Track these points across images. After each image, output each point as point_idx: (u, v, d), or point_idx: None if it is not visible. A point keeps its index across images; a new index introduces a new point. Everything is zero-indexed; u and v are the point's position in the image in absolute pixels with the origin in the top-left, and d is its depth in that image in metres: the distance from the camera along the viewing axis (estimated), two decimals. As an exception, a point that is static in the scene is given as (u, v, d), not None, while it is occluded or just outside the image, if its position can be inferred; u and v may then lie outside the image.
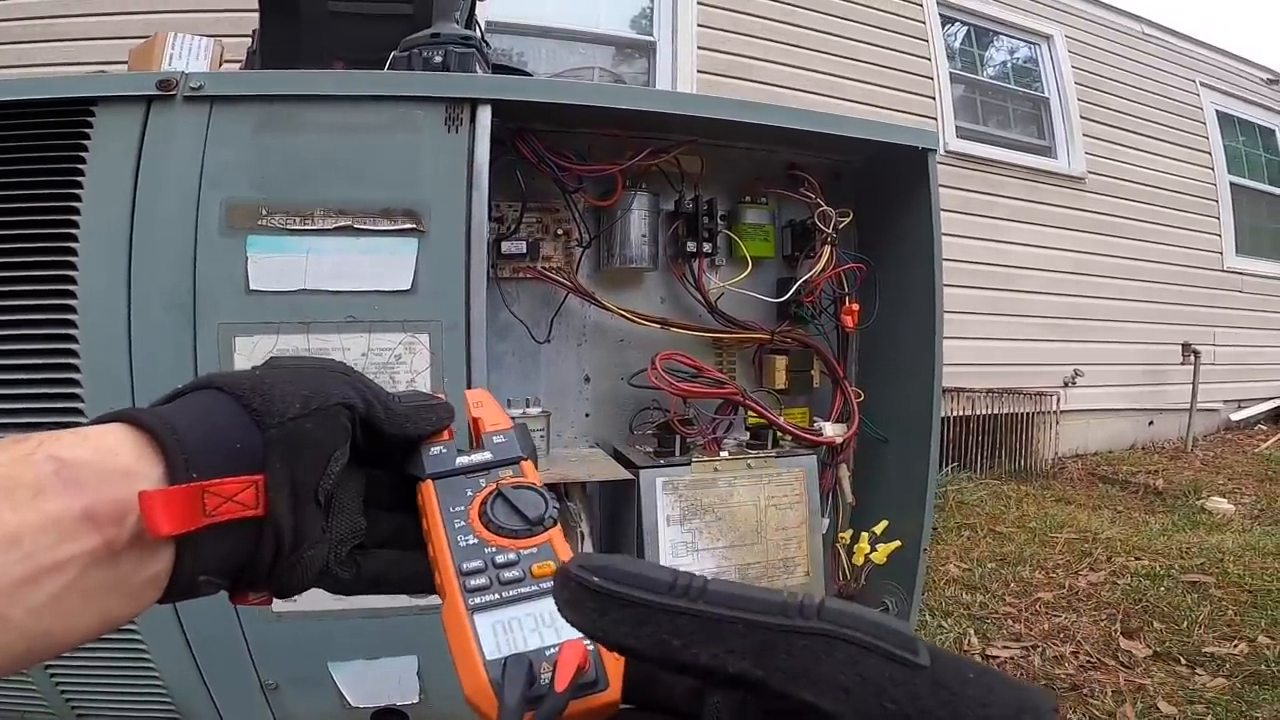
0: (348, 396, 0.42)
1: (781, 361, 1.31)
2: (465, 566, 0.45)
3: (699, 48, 3.79)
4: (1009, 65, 4.97)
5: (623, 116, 1.11)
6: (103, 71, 1.37)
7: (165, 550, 0.36)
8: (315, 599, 0.99)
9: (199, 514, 0.37)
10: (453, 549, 0.45)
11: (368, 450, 0.43)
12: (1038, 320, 4.46)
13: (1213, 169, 5.37)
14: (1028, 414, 4.24)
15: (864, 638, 0.23)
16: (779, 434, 1.23)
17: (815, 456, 1.24)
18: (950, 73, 4.46)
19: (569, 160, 1.18)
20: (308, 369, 0.43)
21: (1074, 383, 4.54)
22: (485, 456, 0.49)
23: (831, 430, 1.25)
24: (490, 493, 0.47)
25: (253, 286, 0.94)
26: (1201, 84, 5.47)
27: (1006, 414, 4.19)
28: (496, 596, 0.44)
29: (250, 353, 0.95)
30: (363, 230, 0.96)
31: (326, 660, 1.04)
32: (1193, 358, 4.81)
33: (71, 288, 0.92)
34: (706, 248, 1.27)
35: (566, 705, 0.33)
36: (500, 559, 0.45)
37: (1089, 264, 4.62)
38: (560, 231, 1.27)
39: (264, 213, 0.95)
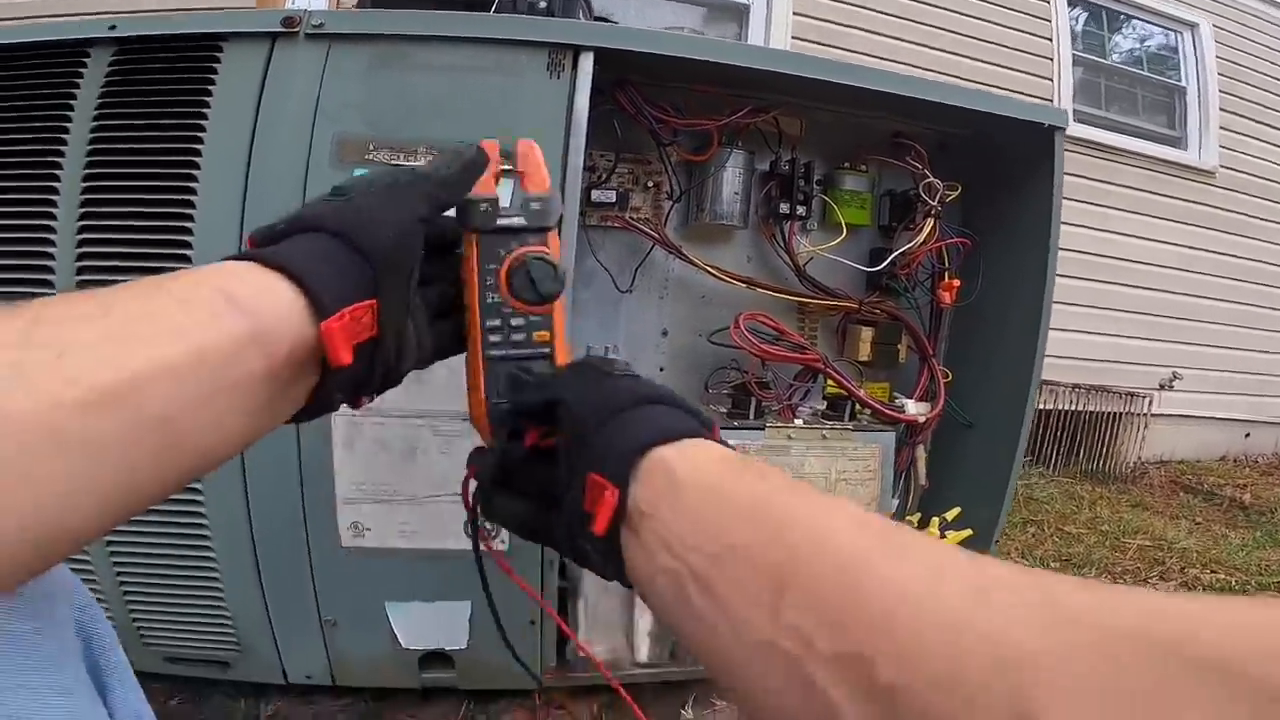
0: (421, 212, 0.48)
1: (867, 333, 1.28)
2: (488, 323, 0.60)
3: (794, 13, 3.64)
4: (1142, 51, 4.63)
5: (724, 73, 1.08)
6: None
7: (313, 374, 0.42)
8: (384, 537, 1.03)
9: (351, 339, 0.42)
10: (481, 306, 0.60)
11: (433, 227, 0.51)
12: (1139, 317, 4.21)
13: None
14: (1114, 414, 4.04)
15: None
16: (858, 407, 1.20)
17: (893, 434, 1.21)
18: (1073, 55, 4.18)
19: (667, 113, 1.16)
20: (386, 187, 0.48)
21: (1170, 385, 4.29)
22: (520, 221, 0.62)
23: (914, 408, 1.22)
24: (517, 259, 0.60)
25: (357, 219, 0.97)
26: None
27: (1091, 412, 4.01)
28: (505, 352, 0.60)
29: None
30: (461, 168, 0.97)
31: (385, 600, 1.08)
32: (1305, 371, 4.48)
33: (190, 211, 0.96)
34: (800, 210, 1.24)
35: (528, 449, 0.48)
36: (514, 321, 0.60)
37: (1204, 262, 4.32)
38: (650, 184, 1.26)
39: (371, 148, 0.97)
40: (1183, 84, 4.52)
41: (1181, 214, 4.27)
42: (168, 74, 0.97)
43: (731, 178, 1.21)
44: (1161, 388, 4.26)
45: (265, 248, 0.43)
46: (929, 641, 0.23)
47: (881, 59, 3.72)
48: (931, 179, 1.19)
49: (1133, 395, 4.06)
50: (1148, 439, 4.15)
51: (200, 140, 0.96)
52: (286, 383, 0.40)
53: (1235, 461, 4.59)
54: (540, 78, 0.99)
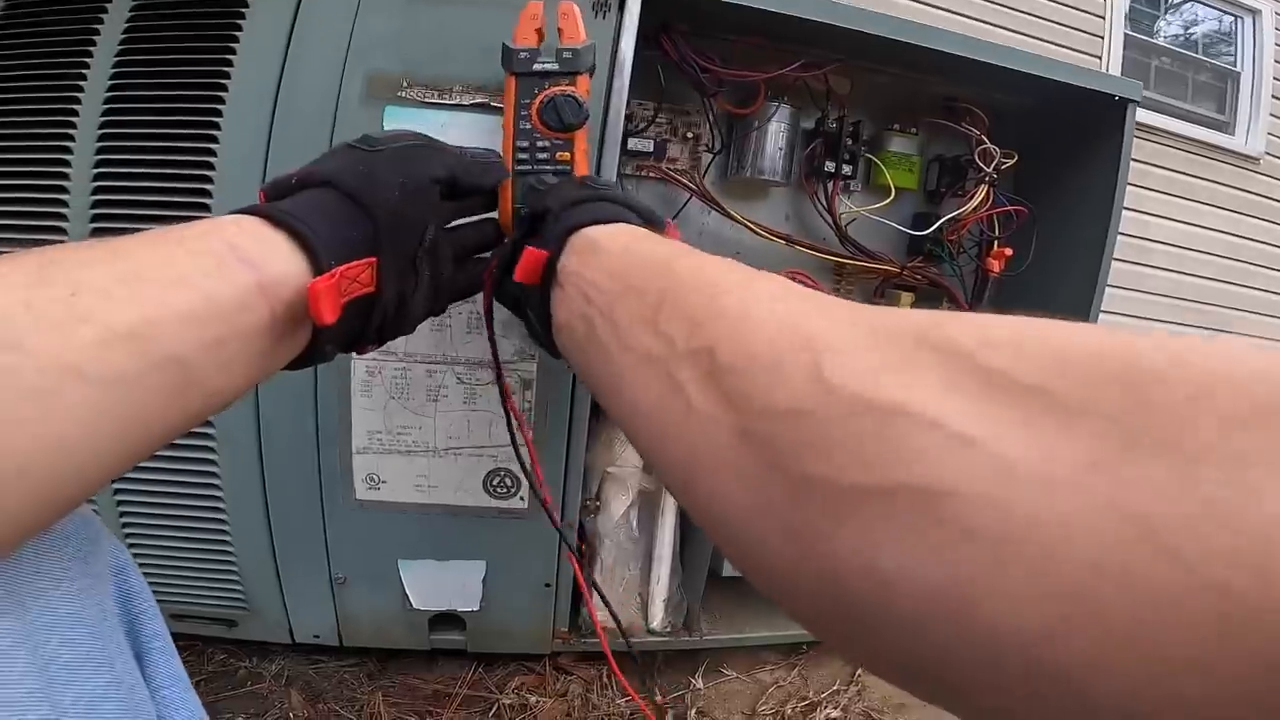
0: (435, 172, 0.52)
1: (908, 298, 1.23)
2: (519, 144, 0.78)
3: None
4: (1196, 34, 4.48)
5: (774, 24, 1.02)
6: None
7: (308, 325, 0.43)
8: (400, 490, 1.01)
9: (341, 297, 0.44)
10: (516, 131, 0.77)
11: (453, 202, 0.56)
12: (1168, 300, 4.13)
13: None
14: (1139, 402, 3.98)
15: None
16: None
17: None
18: (1125, 34, 4.04)
19: (713, 63, 1.10)
20: (401, 148, 0.52)
21: (1200, 375, 4.22)
22: (554, 66, 0.78)
23: (951, 381, 1.18)
24: (548, 95, 0.77)
25: (387, 157, 0.93)
26: None
27: (1114, 398, 3.94)
28: (530, 167, 0.78)
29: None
30: (499, 109, 0.92)
31: (398, 558, 1.06)
32: (1341, 365, 4.38)
33: (213, 146, 0.92)
34: (846, 170, 1.19)
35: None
36: (540, 143, 0.78)
37: (1243, 249, 4.22)
38: (689, 135, 1.21)
39: (405, 84, 0.93)
40: (1237, 69, 4.40)
41: (1222, 199, 4.17)
42: (191, 20, 0.92)
43: (776, 132, 1.16)
44: (1187, 376, 4.19)
45: (275, 201, 0.46)
46: (756, 331, 0.29)
47: (938, 9, 3.62)
48: (988, 144, 1.13)
49: (1160, 384, 3.99)
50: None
51: (225, 84, 0.91)
52: (284, 332, 0.41)
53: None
54: (585, 17, 0.93)
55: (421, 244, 0.50)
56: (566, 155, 0.81)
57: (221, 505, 1.01)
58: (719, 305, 0.32)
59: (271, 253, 0.40)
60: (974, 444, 0.20)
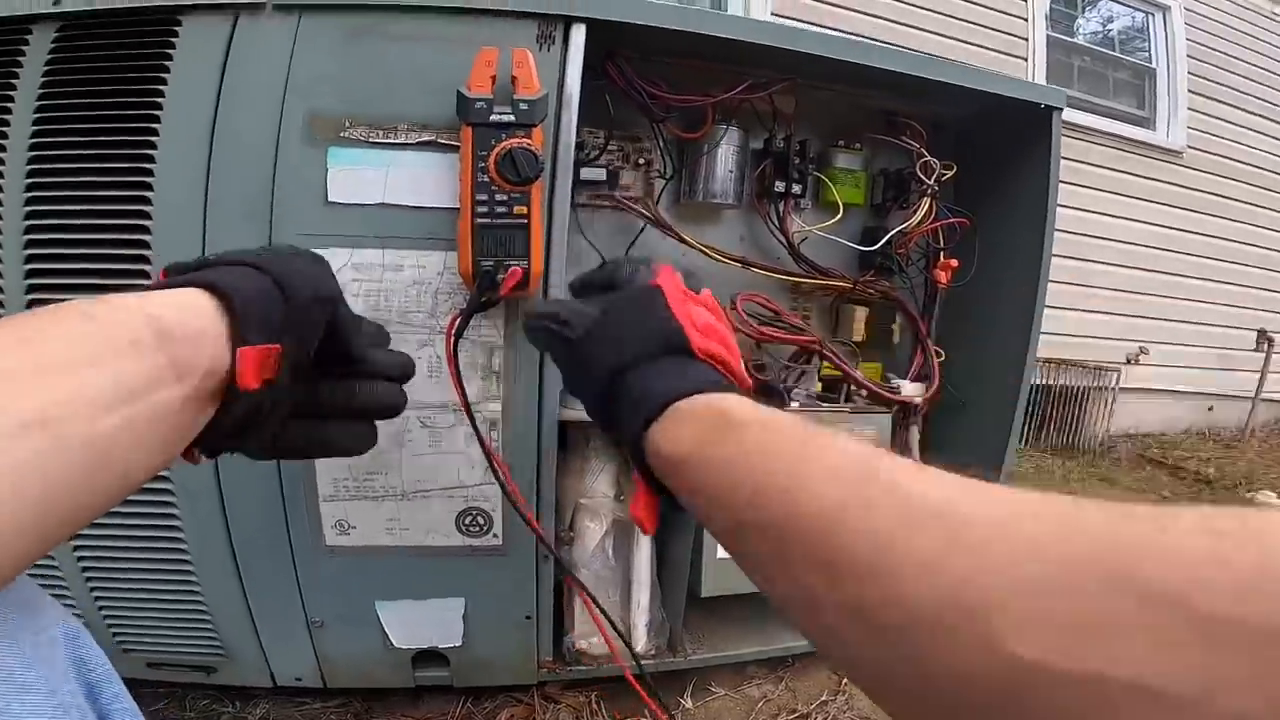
0: (335, 292, 0.51)
1: (862, 313, 1.26)
2: (477, 197, 0.81)
3: (773, -9, 3.59)
4: (1113, 32, 4.68)
5: (720, 47, 1.04)
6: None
7: (213, 405, 0.42)
8: (370, 535, 0.99)
9: (264, 372, 0.43)
10: (474, 184, 0.80)
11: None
12: (1108, 292, 4.29)
13: (1322, 155, 5.04)
14: (1084, 388, 4.12)
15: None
16: (853, 389, 1.18)
17: (889, 416, 1.19)
18: (1047, 35, 4.20)
19: (660, 89, 1.11)
20: (311, 258, 0.51)
21: (1138, 360, 4.39)
22: (511, 117, 0.81)
23: (910, 389, 1.21)
24: (505, 149, 0.80)
25: (331, 198, 0.91)
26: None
27: (1061, 386, 4.08)
28: (488, 221, 0.81)
29: (328, 265, 0.93)
30: (447, 146, 0.91)
31: (375, 599, 1.04)
32: (1266, 346, 4.60)
33: (148, 194, 0.90)
34: (795, 189, 1.21)
35: (502, 298, 0.83)
36: (498, 196, 0.81)
37: (1172, 240, 4.41)
38: (641, 161, 1.22)
39: (347, 124, 0.91)
40: (1153, 65, 4.58)
41: (1149, 193, 4.35)
42: (118, 52, 0.90)
43: (726, 155, 1.18)
44: (1129, 362, 4.35)
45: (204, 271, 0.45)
46: (908, 586, 0.26)
47: (860, 38, 3.69)
48: (928, 158, 1.17)
49: (1101, 369, 4.13)
50: (1115, 413, 4.24)
51: (156, 121, 0.89)
52: (198, 408, 0.41)
53: (1199, 435, 4.72)
54: (530, 49, 0.93)
55: (308, 352, 0.48)
56: (523, 209, 0.85)
57: (186, 555, 0.99)
58: (843, 547, 0.29)
59: (192, 317, 0.40)
60: (1198, 705, 0.18)
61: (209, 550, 0.98)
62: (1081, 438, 4.11)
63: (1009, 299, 1.18)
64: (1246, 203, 4.65)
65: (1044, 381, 4.03)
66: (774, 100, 1.19)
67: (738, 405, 0.43)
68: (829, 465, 0.33)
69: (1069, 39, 4.48)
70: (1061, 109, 1.14)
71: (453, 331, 0.86)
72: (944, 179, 1.18)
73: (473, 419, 0.86)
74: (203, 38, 0.90)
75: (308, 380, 0.51)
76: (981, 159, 1.25)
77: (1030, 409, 4.02)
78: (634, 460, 0.48)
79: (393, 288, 0.95)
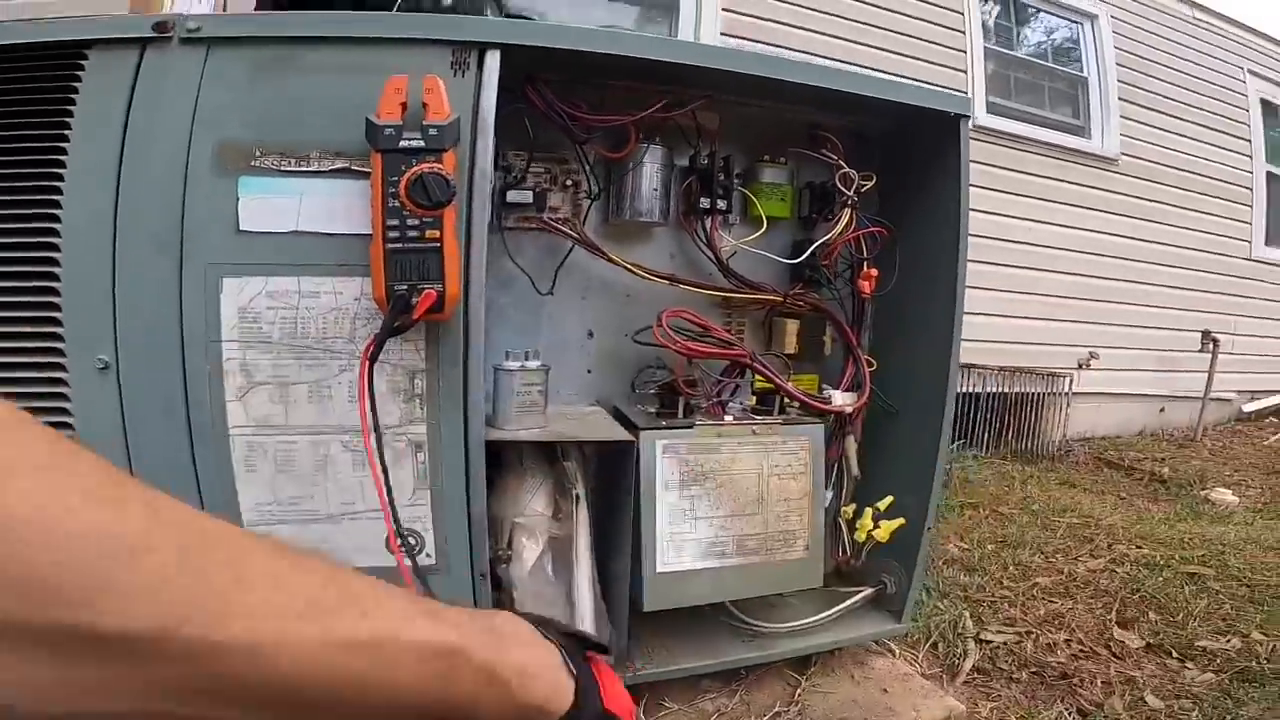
0: None
1: (793, 325, 1.27)
2: (389, 223, 0.81)
3: (722, 9, 3.67)
4: (1047, 43, 4.83)
5: (638, 66, 1.05)
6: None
7: None
8: None
9: None
10: (384, 209, 0.81)
11: None
12: (1057, 300, 4.39)
13: (1250, 157, 5.23)
14: (1039, 394, 4.19)
15: None
16: (786, 400, 1.19)
17: (822, 426, 1.20)
18: (985, 47, 4.33)
19: (580, 110, 1.12)
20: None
21: (1088, 365, 4.48)
22: (421, 142, 0.81)
23: (841, 399, 1.22)
24: (416, 173, 0.80)
25: (243, 227, 0.91)
26: (1249, 71, 5.30)
27: (1017, 393, 4.14)
28: (400, 246, 0.82)
29: (238, 294, 0.92)
30: (360, 173, 0.91)
31: None
32: (1211, 346, 4.73)
33: (55, 225, 0.89)
34: (721, 205, 1.22)
35: (415, 320, 0.83)
36: (410, 221, 0.82)
37: (1115, 246, 4.54)
38: (569, 182, 1.23)
39: (258, 154, 0.91)
40: (1085, 75, 4.73)
41: (1090, 200, 4.47)
42: (25, 84, 0.89)
43: (650, 174, 1.19)
44: (1080, 367, 4.44)
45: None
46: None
47: (807, 54, 3.78)
48: (847, 170, 1.19)
49: (1054, 376, 4.21)
50: (1071, 417, 4.32)
51: (64, 152, 0.89)
52: None
53: (1153, 436, 4.82)
54: (444, 77, 0.93)
55: None
56: (436, 233, 0.85)
57: None
58: None
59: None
60: None
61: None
62: (1040, 443, 4.18)
63: (931, 305, 1.21)
64: (1179, 207, 4.80)
65: (1001, 389, 4.09)
66: (697, 117, 1.21)
67: None
68: None
69: (1007, 51, 4.62)
70: (968, 116, 1.16)
71: (368, 356, 0.86)
72: (864, 190, 1.20)
73: (380, 443, 0.85)
74: (110, 69, 0.90)
75: None
76: (901, 169, 1.28)
77: (990, 417, 4.08)
78: None
79: (310, 315, 0.95)
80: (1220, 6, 5.24)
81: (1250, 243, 5.18)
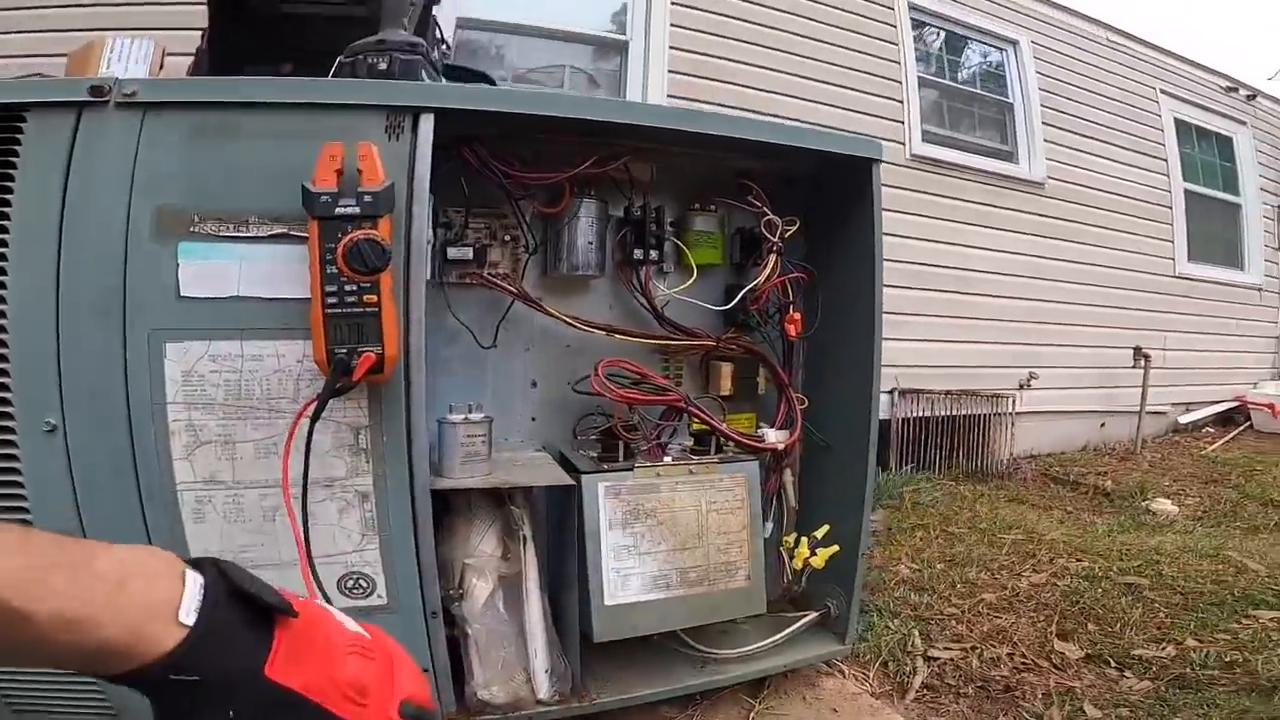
0: None
1: (727, 368, 1.33)
2: (327, 289, 0.85)
3: (671, 47, 3.79)
4: (977, 71, 5.02)
5: (570, 124, 1.11)
6: (39, 75, 1.33)
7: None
8: None
9: None
10: (322, 275, 0.85)
11: None
12: (995, 323, 4.54)
13: (1168, 175, 5.49)
14: (984, 415, 4.32)
15: None
16: (722, 440, 1.24)
17: (758, 462, 1.26)
18: (919, 77, 4.50)
19: (514, 167, 1.17)
20: None
21: (1029, 385, 4.63)
22: (356, 209, 0.85)
23: (774, 436, 1.28)
24: (351, 241, 0.84)
25: (184, 293, 0.94)
26: (1161, 91, 5.58)
27: (964, 415, 4.26)
28: (338, 311, 0.85)
29: (181, 359, 0.94)
30: (299, 238, 0.94)
31: None
32: (1143, 361, 4.93)
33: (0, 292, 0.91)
34: (653, 255, 1.28)
35: (356, 382, 0.86)
36: (348, 287, 0.85)
37: (1046, 269, 4.71)
38: (507, 237, 1.28)
39: (196, 220, 0.94)
40: (1011, 100, 4.92)
41: (1020, 225, 4.65)
42: None
43: (585, 228, 1.24)
44: (1021, 387, 4.59)
45: None
46: None
47: (752, 88, 3.89)
48: (771, 216, 1.26)
49: (998, 396, 4.35)
50: (1016, 436, 4.45)
51: (6, 218, 0.91)
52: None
53: (1095, 450, 4.98)
54: (379, 141, 0.96)
55: None
56: (373, 297, 0.88)
57: None
58: None
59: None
60: None
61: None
62: (989, 462, 4.30)
63: (853, 342, 1.27)
64: (1106, 227, 5.02)
65: (948, 412, 4.21)
66: (629, 169, 1.26)
67: None
68: None
69: (941, 80, 4.79)
70: (879, 160, 1.24)
71: (307, 414, 0.89)
72: (788, 235, 1.27)
73: (304, 495, 0.91)
74: (47, 133, 0.91)
75: None
76: (825, 211, 1.35)
77: (940, 439, 4.19)
78: None
79: (254, 377, 0.97)
80: (1132, 28, 5.49)
81: (1174, 260, 5.42)
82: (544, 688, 1.16)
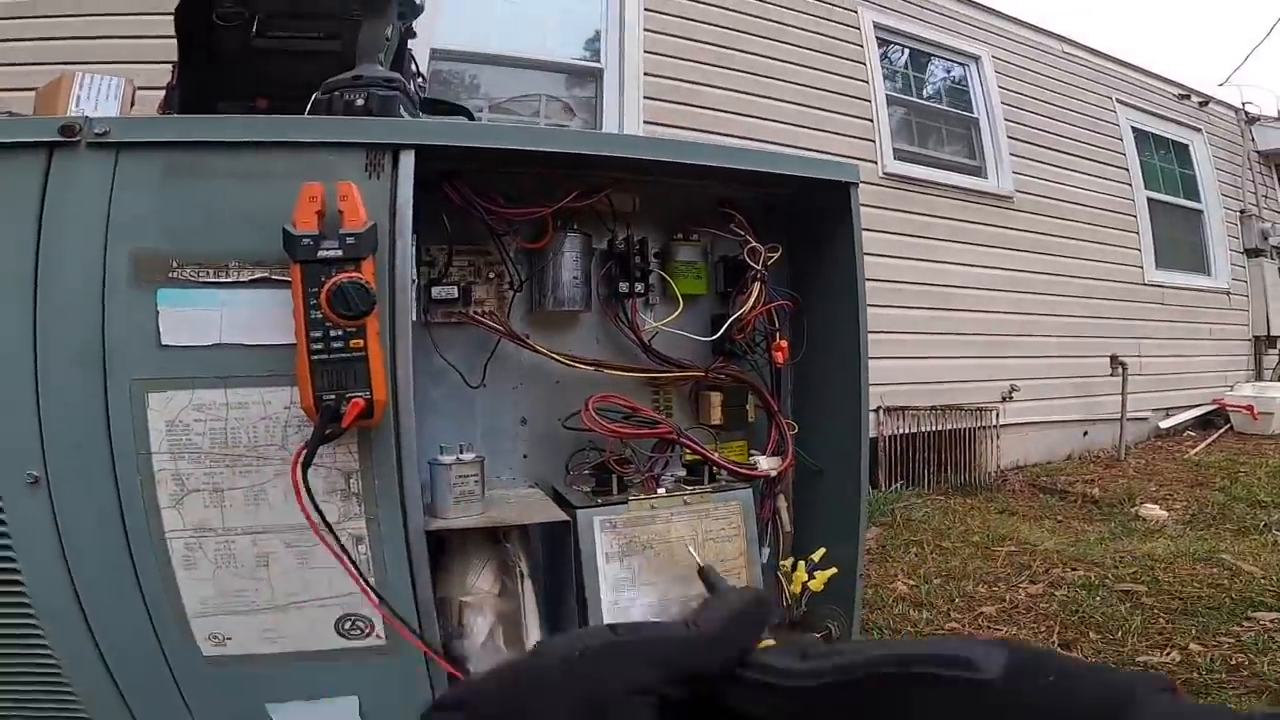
0: (643, 679, 0.32)
1: (716, 398, 1.32)
2: (312, 334, 0.82)
3: (645, 74, 3.85)
4: (942, 88, 5.12)
5: (549, 158, 1.12)
6: (9, 114, 1.32)
7: None
8: (247, 644, 0.98)
9: None
10: (307, 320, 0.82)
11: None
12: (974, 338, 4.59)
13: (1131, 185, 5.62)
14: (970, 429, 4.36)
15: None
16: (714, 469, 1.24)
17: (751, 489, 1.25)
18: (887, 95, 4.59)
19: (497, 204, 1.17)
20: (579, 656, 0.32)
21: (1011, 397, 4.68)
22: (339, 252, 0.83)
23: (766, 463, 1.27)
24: (335, 284, 0.82)
25: (165, 341, 0.92)
26: (1118, 100, 5.74)
27: (950, 430, 4.30)
28: (325, 356, 0.83)
29: (164, 408, 0.92)
30: (281, 282, 0.93)
31: (264, 701, 1.01)
32: (1120, 369, 5.00)
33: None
34: (638, 288, 1.27)
35: (346, 428, 0.83)
36: (333, 332, 0.83)
37: (1020, 281, 4.79)
38: (492, 274, 1.27)
39: (175, 265, 0.92)
40: (975, 115, 5.03)
41: (992, 239, 4.73)
42: None
43: (570, 262, 1.24)
44: (1004, 399, 4.64)
45: None
46: None
47: (727, 112, 3.95)
48: (754, 244, 1.27)
49: (981, 410, 4.39)
50: (1002, 448, 4.49)
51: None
52: None
53: (1080, 459, 5.03)
54: (359, 180, 0.95)
55: None
56: (360, 342, 0.86)
57: (65, 682, 0.96)
58: None
59: None
60: None
61: (84, 671, 0.95)
62: (977, 475, 4.32)
63: (839, 366, 1.27)
64: (1075, 238, 5.13)
65: (934, 428, 4.24)
66: (612, 201, 1.26)
67: None
68: None
69: (909, 98, 4.88)
70: (856, 184, 1.25)
71: (299, 463, 0.87)
72: (771, 262, 1.28)
73: (336, 538, 0.89)
74: (17, 175, 0.89)
75: None
76: (807, 236, 1.36)
77: (928, 455, 4.21)
78: None
79: (240, 425, 0.96)
80: (1087, 40, 5.66)
81: (1143, 268, 5.53)
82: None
